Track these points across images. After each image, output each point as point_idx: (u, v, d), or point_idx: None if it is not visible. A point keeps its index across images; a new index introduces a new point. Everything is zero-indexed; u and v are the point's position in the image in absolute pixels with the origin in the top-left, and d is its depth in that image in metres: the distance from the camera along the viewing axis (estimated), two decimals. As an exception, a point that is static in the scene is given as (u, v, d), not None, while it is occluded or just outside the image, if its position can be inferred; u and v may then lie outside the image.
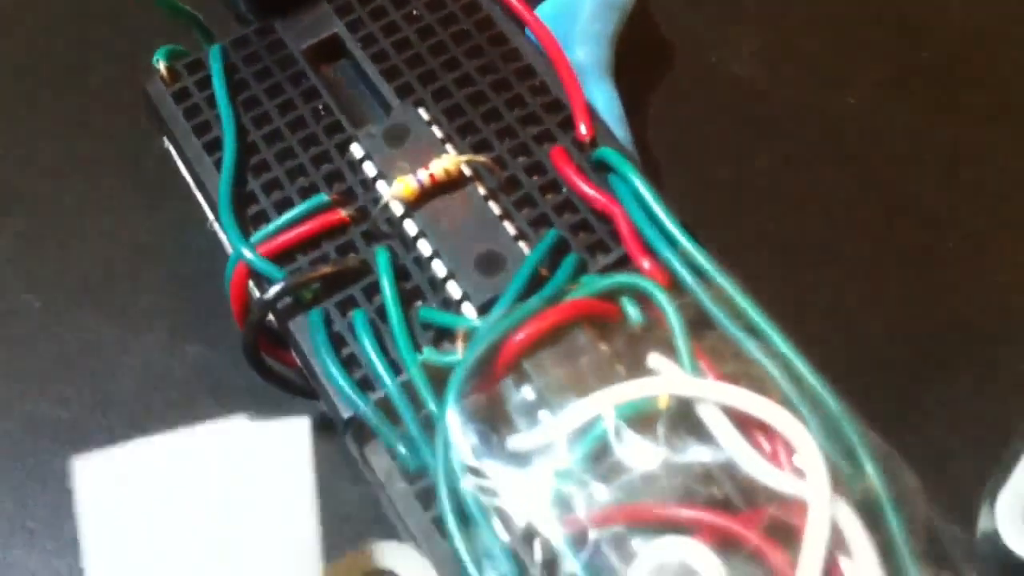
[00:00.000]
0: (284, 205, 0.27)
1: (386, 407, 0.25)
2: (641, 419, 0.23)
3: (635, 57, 0.35)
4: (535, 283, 0.25)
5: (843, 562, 0.20)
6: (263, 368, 0.27)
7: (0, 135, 0.35)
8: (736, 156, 0.35)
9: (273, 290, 0.25)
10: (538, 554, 0.22)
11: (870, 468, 0.22)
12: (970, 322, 0.31)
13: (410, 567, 0.22)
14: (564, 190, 0.27)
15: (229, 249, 0.27)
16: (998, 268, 0.32)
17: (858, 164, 0.34)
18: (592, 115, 0.28)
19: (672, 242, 0.25)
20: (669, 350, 0.24)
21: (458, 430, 0.23)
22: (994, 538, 0.24)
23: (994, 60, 0.36)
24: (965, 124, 0.35)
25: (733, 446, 0.22)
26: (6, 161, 0.34)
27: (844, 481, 0.22)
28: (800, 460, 0.21)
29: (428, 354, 0.24)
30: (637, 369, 0.24)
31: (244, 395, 0.29)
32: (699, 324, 0.24)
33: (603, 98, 0.32)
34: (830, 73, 0.36)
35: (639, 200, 0.26)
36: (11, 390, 0.31)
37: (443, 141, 0.27)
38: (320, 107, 0.29)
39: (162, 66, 0.30)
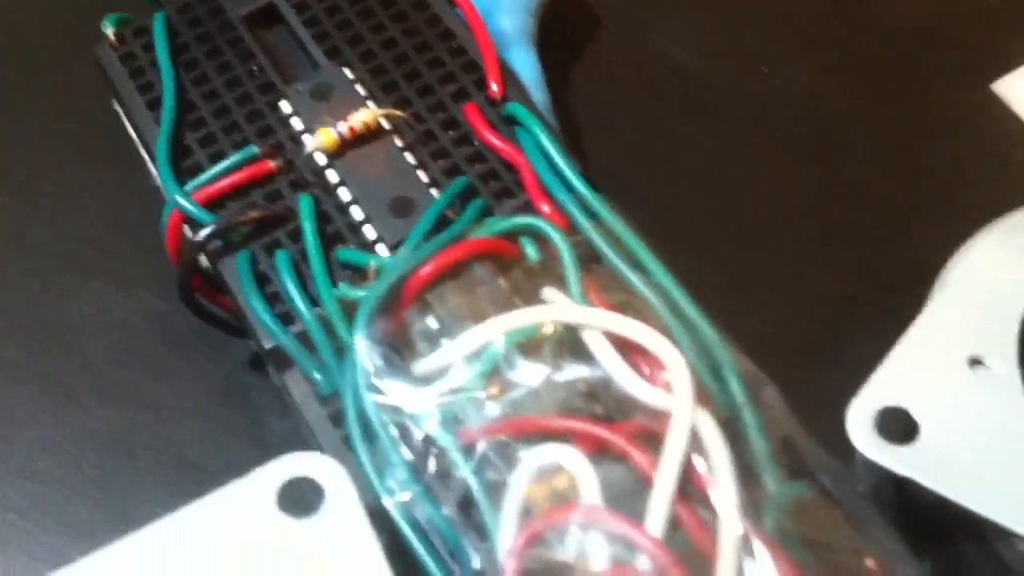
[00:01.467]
0: (218, 157, 0.29)
1: (305, 340, 0.27)
2: (530, 344, 0.25)
3: (565, 32, 0.37)
4: (442, 225, 0.27)
5: (701, 463, 0.22)
6: (199, 308, 0.29)
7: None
8: (661, 129, 0.37)
9: (203, 232, 0.28)
10: (432, 464, 0.24)
11: (733, 383, 0.24)
12: (892, 287, 0.33)
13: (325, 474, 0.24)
14: (475, 143, 0.29)
15: (167, 198, 0.29)
16: (921, 241, 0.34)
17: (788, 143, 0.36)
18: (504, 74, 0.30)
19: (570, 188, 0.28)
20: (563, 284, 0.26)
21: (365, 355, 0.25)
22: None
23: (926, 50, 0.38)
24: (893, 108, 0.37)
25: (610, 365, 0.24)
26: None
27: (711, 398, 0.24)
28: (669, 376, 0.24)
29: (343, 289, 0.27)
30: (533, 301, 0.26)
31: (192, 338, 0.32)
32: (591, 260, 0.27)
33: (524, 64, 0.34)
34: (763, 55, 0.38)
35: (542, 151, 0.28)
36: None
37: (366, 98, 0.30)
38: (255, 68, 0.31)
39: (110, 32, 0.32)
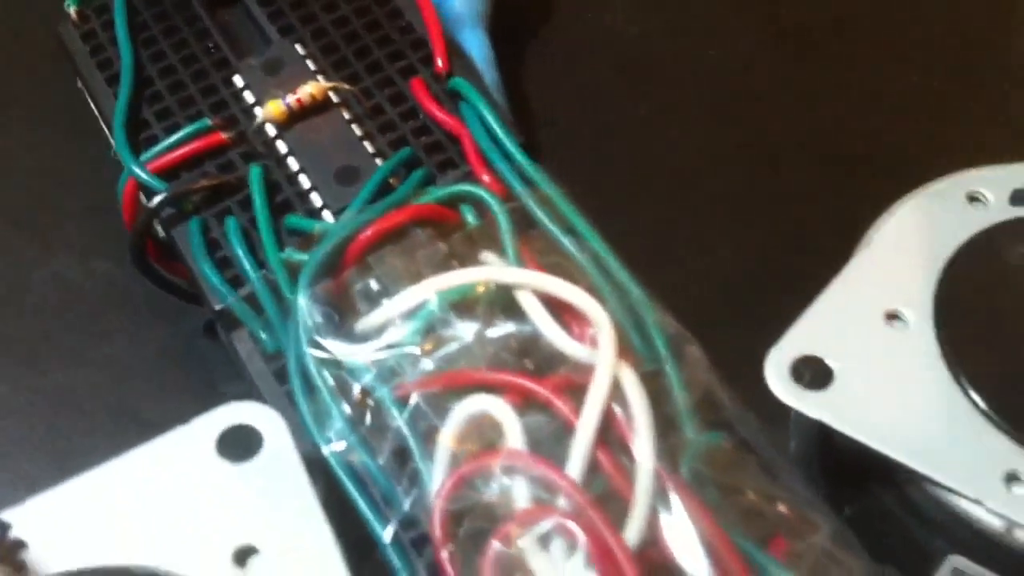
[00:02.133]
0: (173, 130, 0.30)
1: (253, 302, 0.28)
2: (465, 303, 0.26)
3: (519, 15, 0.38)
4: (385, 192, 0.28)
5: (620, 412, 0.24)
6: (153, 273, 0.31)
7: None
8: (611, 103, 0.38)
9: (156, 199, 0.29)
10: (369, 416, 0.25)
11: (657, 339, 0.25)
12: (818, 248, 0.35)
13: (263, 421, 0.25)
14: (420, 116, 0.30)
15: (124, 168, 0.30)
16: (848, 203, 0.36)
17: (720, 110, 0.37)
18: (450, 51, 0.31)
19: (509, 158, 0.29)
20: (500, 248, 0.27)
21: (307, 313, 0.26)
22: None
23: (852, 28, 0.40)
24: (821, 76, 0.38)
25: (540, 322, 0.25)
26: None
27: (635, 353, 0.25)
28: (594, 332, 0.25)
29: (288, 253, 0.28)
30: (471, 264, 0.27)
31: (146, 304, 0.33)
32: (527, 226, 0.28)
33: (476, 44, 0.35)
34: (701, 27, 0.39)
35: (484, 123, 0.29)
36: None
37: (316, 73, 0.31)
38: (211, 45, 0.32)
39: (72, 10, 0.33)
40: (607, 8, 0.39)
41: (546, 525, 0.22)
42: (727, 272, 0.34)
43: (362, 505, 0.24)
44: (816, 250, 0.34)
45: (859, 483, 0.26)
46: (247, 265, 0.28)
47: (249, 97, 0.30)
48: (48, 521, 0.23)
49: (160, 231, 0.30)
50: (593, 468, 0.23)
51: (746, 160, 0.36)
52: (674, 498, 0.23)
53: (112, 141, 0.32)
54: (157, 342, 0.32)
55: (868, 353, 0.25)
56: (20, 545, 0.22)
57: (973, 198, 0.28)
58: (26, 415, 0.30)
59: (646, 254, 0.27)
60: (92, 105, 0.33)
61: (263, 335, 0.27)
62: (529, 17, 0.39)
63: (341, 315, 0.27)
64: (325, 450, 0.24)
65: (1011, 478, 0.23)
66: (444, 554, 0.23)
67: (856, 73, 0.38)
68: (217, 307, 0.28)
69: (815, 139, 0.37)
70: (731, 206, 0.35)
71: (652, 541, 0.23)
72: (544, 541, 0.22)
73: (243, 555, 0.22)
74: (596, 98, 0.38)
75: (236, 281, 0.28)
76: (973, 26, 0.39)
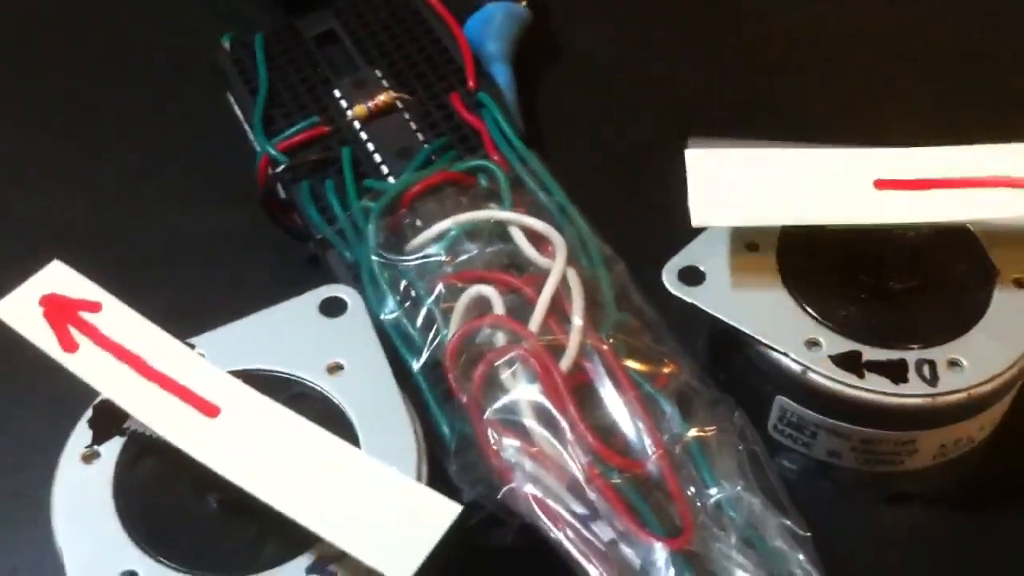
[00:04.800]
0: (292, 124, 0.45)
1: (341, 235, 0.42)
2: (475, 231, 0.40)
3: (534, 53, 0.52)
4: (427, 164, 0.43)
5: (565, 296, 0.37)
6: (275, 219, 0.45)
7: (116, 91, 0.53)
8: (591, 112, 0.52)
9: (280, 168, 0.44)
10: (410, 300, 0.39)
11: (596, 258, 0.39)
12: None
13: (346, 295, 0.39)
14: (455, 117, 0.45)
15: (259, 149, 0.45)
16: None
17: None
18: (478, 75, 0.46)
19: (512, 146, 0.43)
20: (500, 202, 0.41)
21: (373, 237, 0.40)
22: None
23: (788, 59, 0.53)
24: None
25: (520, 243, 0.39)
26: (121, 100, 0.53)
27: (581, 265, 0.39)
28: (554, 250, 0.39)
29: (364, 202, 0.42)
30: (481, 209, 0.41)
31: (267, 243, 0.47)
32: (519, 187, 0.42)
33: (501, 73, 0.49)
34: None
35: (497, 123, 0.44)
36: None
37: (387, 88, 0.45)
38: (318, 69, 0.47)
39: (226, 44, 0.48)
40: (599, 50, 0.54)
41: (513, 356, 0.36)
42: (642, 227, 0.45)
43: (402, 349, 0.38)
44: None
45: (728, 353, 0.39)
46: (337, 210, 0.42)
47: (343, 103, 0.45)
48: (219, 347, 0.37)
49: (281, 191, 0.45)
50: (545, 328, 0.37)
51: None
52: (593, 347, 0.37)
53: (250, 133, 0.47)
54: (274, 269, 0.46)
55: (730, 265, 0.38)
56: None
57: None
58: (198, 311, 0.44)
59: (590, 204, 0.41)
60: (237, 109, 0.48)
61: (347, 253, 0.41)
62: (541, 56, 0.53)
63: (396, 239, 0.41)
64: (382, 318, 0.39)
65: (811, 343, 0.36)
66: (451, 376, 0.37)
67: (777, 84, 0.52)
68: (318, 236, 0.42)
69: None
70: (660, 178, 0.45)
71: (578, 371, 0.36)
72: (510, 365, 0.36)
73: (334, 368, 0.36)
74: (581, 109, 0.52)
75: (330, 222, 0.43)
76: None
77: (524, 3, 0.51)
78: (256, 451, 0.33)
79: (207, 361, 0.36)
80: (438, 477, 0.36)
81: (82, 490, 0.33)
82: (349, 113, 0.45)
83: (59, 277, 0.34)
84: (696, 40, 0.54)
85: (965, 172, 0.38)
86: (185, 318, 0.38)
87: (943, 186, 0.38)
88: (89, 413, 0.34)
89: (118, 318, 0.34)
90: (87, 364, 0.32)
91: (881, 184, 0.38)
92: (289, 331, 0.38)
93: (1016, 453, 0.40)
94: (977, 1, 0.56)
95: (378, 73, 0.46)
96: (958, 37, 0.54)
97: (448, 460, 0.36)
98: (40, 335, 0.32)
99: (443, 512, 0.32)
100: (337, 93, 0.46)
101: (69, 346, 0.32)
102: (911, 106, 0.51)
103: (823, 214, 0.38)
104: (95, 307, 0.33)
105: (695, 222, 0.37)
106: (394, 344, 0.38)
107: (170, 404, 0.32)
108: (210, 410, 0.32)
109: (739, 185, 0.38)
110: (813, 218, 0.37)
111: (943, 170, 0.38)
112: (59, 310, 0.32)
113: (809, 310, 0.37)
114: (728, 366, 0.39)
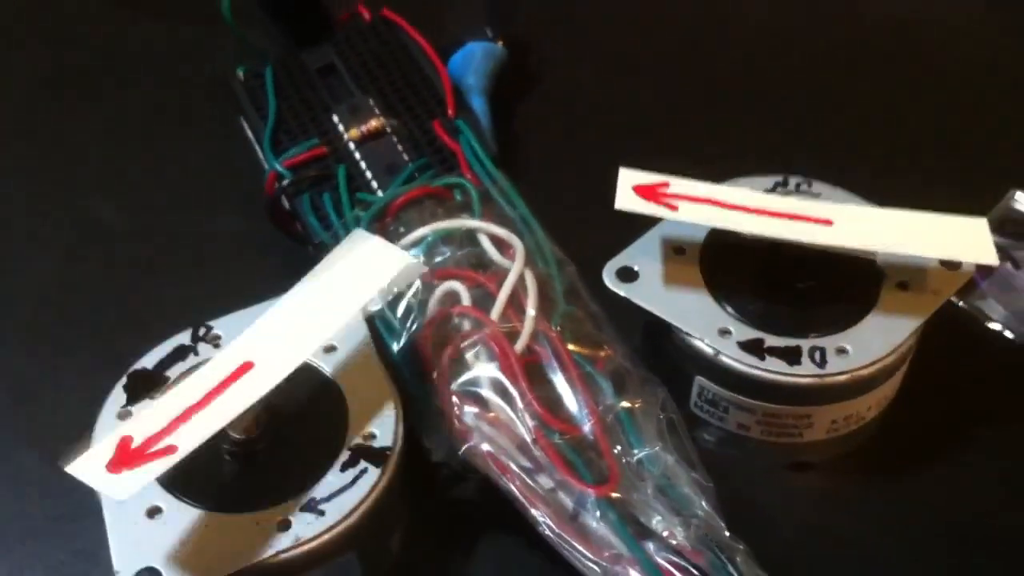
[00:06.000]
0: (295, 144, 0.53)
1: (336, 238, 0.50)
2: (449, 237, 0.47)
3: (510, 86, 0.60)
4: (410, 180, 0.50)
5: (522, 292, 0.45)
6: (280, 226, 0.52)
7: (146, 110, 0.61)
8: (556, 138, 0.59)
9: (285, 182, 0.51)
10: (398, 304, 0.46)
11: (550, 260, 0.46)
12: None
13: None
14: (436, 141, 0.52)
15: (267, 166, 0.53)
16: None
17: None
18: (457, 104, 0.53)
19: (483, 166, 0.50)
20: (471, 212, 0.49)
21: (364, 240, 0.48)
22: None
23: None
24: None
25: (486, 246, 0.46)
26: (151, 119, 0.60)
27: (536, 266, 0.46)
28: (514, 252, 0.46)
29: (356, 211, 0.50)
30: (454, 218, 0.48)
31: (270, 247, 0.54)
32: (489, 201, 0.49)
33: (478, 104, 0.56)
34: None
35: (471, 146, 0.51)
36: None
37: (379, 114, 0.53)
38: (319, 96, 0.54)
39: (240, 74, 0.56)
40: (566, 86, 0.61)
41: (476, 340, 0.43)
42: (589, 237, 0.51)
43: (385, 334, 0.45)
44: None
45: (658, 341, 0.46)
46: (333, 218, 0.50)
47: (340, 127, 0.53)
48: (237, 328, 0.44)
49: (286, 202, 0.52)
50: (504, 317, 0.44)
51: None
52: (544, 333, 0.44)
53: (260, 152, 0.54)
54: (277, 268, 0.53)
55: (660, 266, 0.45)
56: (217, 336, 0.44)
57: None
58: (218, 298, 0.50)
59: (548, 216, 0.49)
60: (248, 131, 0.55)
61: (340, 254, 0.49)
62: (515, 90, 0.60)
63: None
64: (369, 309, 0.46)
65: (723, 332, 0.44)
66: (425, 356, 0.44)
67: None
68: (316, 241, 0.50)
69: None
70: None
71: (530, 353, 0.44)
72: (474, 347, 0.43)
73: (329, 349, 0.43)
74: (545, 135, 0.59)
75: (327, 228, 0.50)
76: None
77: (502, 43, 0.59)
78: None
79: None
80: (412, 440, 0.43)
81: (118, 441, 0.40)
82: (345, 136, 0.52)
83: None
84: (659, 77, 0.62)
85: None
86: (207, 304, 0.45)
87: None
88: (124, 380, 0.42)
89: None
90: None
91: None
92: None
93: (902, 431, 0.47)
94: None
95: (371, 101, 0.54)
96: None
97: (421, 426, 0.43)
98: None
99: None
100: (335, 118, 0.53)
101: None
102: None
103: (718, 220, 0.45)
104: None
105: (617, 205, 0.45)
106: (378, 330, 0.45)
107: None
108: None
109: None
110: (711, 221, 0.45)
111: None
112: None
113: (723, 304, 0.44)
114: (658, 352, 0.46)
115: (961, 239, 0.45)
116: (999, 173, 0.55)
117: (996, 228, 0.51)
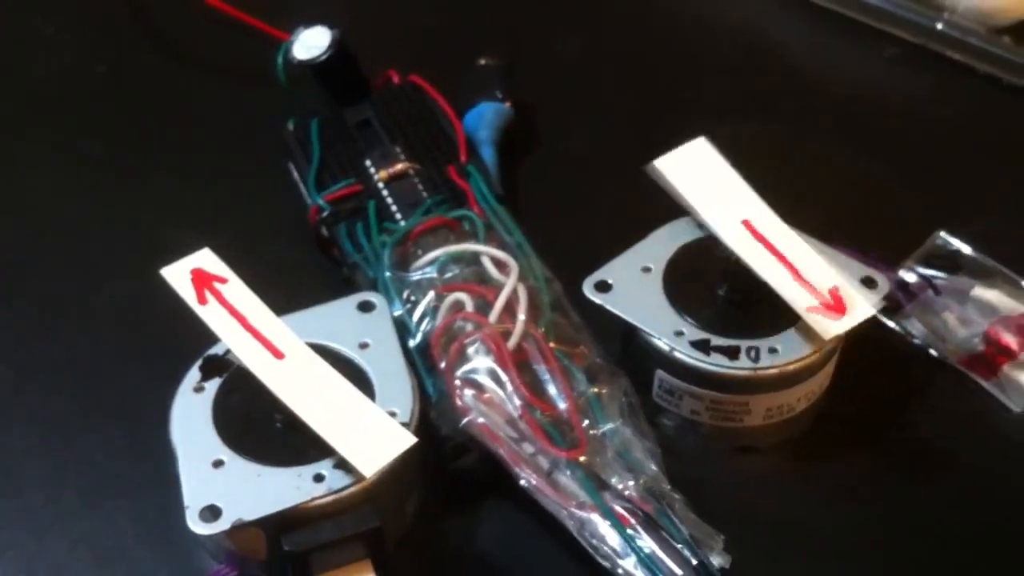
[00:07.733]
0: (335, 183, 0.63)
1: (366, 260, 0.60)
2: (458, 258, 0.58)
3: (516, 138, 0.70)
4: (428, 212, 0.61)
5: (514, 301, 0.55)
6: (321, 248, 0.63)
7: (205, 156, 0.72)
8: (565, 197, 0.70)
9: (324, 214, 0.62)
10: (411, 303, 0.57)
11: (539, 276, 0.56)
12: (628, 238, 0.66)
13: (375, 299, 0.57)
14: (450, 182, 0.63)
15: (310, 201, 0.63)
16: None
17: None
18: (468, 153, 0.64)
19: (489, 203, 0.61)
20: (477, 239, 0.59)
21: (387, 261, 0.58)
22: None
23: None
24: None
25: (487, 265, 0.57)
26: (215, 164, 0.71)
27: (528, 281, 0.56)
28: (509, 270, 0.56)
29: (383, 237, 0.60)
30: (463, 243, 0.59)
31: (312, 269, 0.65)
32: (491, 230, 0.59)
33: (488, 153, 0.66)
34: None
35: (480, 188, 0.62)
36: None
37: (404, 160, 0.64)
38: (356, 145, 0.65)
39: (291, 125, 0.67)
40: (566, 140, 0.72)
41: (476, 338, 0.53)
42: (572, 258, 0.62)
43: (405, 334, 0.55)
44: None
45: (630, 341, 0.56)
46: (364, 244, 0.60)
47: (372, 169, 0.64)
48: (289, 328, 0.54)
49: (325, 231, 0.63)
50: (500, 320, 0.54)
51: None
52: (532, 334, 0.54)
53: (304, 190, 0.65)
54: (318, 285, 0.63)
55: (630, 281, 0.55)
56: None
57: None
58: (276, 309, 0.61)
59: (540, 241, 0.59)
60: (295, 174, 0.66)
61: (370, 272, 0.59)
62: (520, 142, 0.70)
63: (403, 263, 0.59)
64: (394, 315, 0.56)
65: (678, 333, 0.53)
66: (435, 351, 0.54)
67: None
68: (351, 262, 0.60)
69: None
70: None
71: (520, 350, 0.54)
72: (474, 344, 0.53)
73: (364, 345, 0.53)
74: (543, 180, 0.69)
75: (359, 251, 0.60)
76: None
77: (509, 104, 0.69)
78: (301, 383, 0.50)
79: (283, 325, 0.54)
80: (425, 419, 0.53)
81: (191, 409, 0.51)
82: (375, 176, 0.63)
83: (205, 259, 0.53)
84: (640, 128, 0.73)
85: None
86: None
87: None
88: (200, 361, 0.52)
89: (236, 291, 0.52)
90: (211, 315, 0.50)
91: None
92: (336, 320, 0.55)
93: (830, 423, 0.57)
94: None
95: (398, 149, 0.64)
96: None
97: (431, 407, 0.53)
98: (186, 291, 0.51)
99: (402, 439, 0.49)
100: (368, 162, 0.64)
101: (203, 301, 0.50)
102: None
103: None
104: (223, 280, 0.51)
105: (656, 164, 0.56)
106: (400, 330, 0.56)
107: (256, 347, 0.50)
108: (279, 355, 0.50)
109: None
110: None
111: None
112: (200, 278, 0.50)
113: (679, 311, 0.54)
114: (629, 350, 0.56)
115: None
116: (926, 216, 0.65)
117: (923, 261, 0.62)
